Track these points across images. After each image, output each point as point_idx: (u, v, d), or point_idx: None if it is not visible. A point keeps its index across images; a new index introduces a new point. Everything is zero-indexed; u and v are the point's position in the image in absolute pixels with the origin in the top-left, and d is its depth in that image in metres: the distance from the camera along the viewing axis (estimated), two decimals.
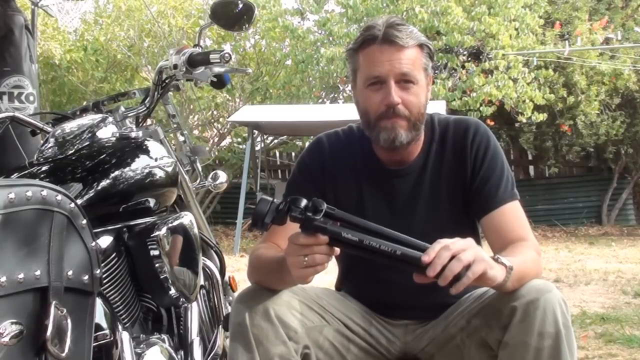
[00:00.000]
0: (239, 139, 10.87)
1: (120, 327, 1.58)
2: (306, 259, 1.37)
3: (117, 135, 1.81)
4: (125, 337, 1.58)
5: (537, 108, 9.35)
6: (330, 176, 1.72)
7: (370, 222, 1.38)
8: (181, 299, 1.73)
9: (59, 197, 1.28)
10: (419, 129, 1.65)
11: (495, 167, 1.65)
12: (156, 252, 1.65)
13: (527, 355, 1.42)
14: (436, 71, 9.60)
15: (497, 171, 1.65)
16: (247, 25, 2.09)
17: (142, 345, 1.66)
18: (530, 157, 11.63)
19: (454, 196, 1.67)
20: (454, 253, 1.29)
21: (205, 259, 2.03)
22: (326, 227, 1.36)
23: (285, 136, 10.84)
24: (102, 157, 1.69)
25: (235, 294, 2.14)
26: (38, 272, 1.22)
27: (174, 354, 1.74)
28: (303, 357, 1.54)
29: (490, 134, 1.70)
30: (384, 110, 1.60)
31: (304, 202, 1.37)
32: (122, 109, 1.97)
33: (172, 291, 1.68)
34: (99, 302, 1.47)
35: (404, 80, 1.59)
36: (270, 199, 1.41)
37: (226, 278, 2.19)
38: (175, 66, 1.91)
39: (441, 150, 1.70)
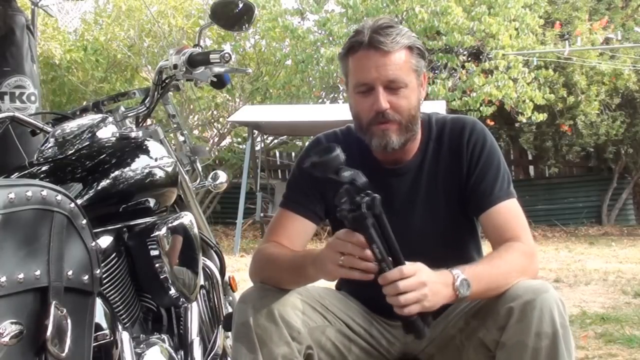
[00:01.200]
0: (239, 139, 10.87)
1: (120, 327, 1.58)
2: (342, 258, 1.39)
3: (117, 135, 1.81)
4: (125, 337, 1.58)
5: (537, 108, 9.34)
6: None
7: (394, 242, 1.39)
8: (181, 299, 1.73)
9: (59, 197, 1.28)
10: (412, 130, 1.65)
11: (491, 166, 1.65)
12: (156, 252, 1.65)
13: (525, 356, 1.42)
14: (436, 71, 9.59)
15: (492, 169, 1.65)
16: (247, 25, 2.09)
17: (142, 345, 1.66)
18: (530, 157, 11.62)
19: (450, 195, 1.68)
20: (398, 292, 1.35)
21: (205, 259, 2.03)
22: (369, 229, 1.34)
23: (285, 136, 10.83)
24: (102, 157, 1.69)
25: (236, 294, 2.15)
26: (38, 272, 1.22)
27: (174, 354, 1.74)
28: (306, 357, 1.55)
29: (487, 132, 1.70)
30: (373, 115, 1.60)
31: (363, 180, 1.35)
32: (122, 109, 1.96)
33: (172, 291, 1.68)
34: (99, 302, 1.47)
35: (392, 85, 1.59)
36: (339, 152, 1.37)
37: (226, 278, 2.19)
38: (175, 66, 1.91)
39: (438, 149, 1.71)
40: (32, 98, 2.95)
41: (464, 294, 1.41)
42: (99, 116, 1.86)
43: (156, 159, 1.81)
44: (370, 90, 1.60)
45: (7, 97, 2.90)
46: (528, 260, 1.56)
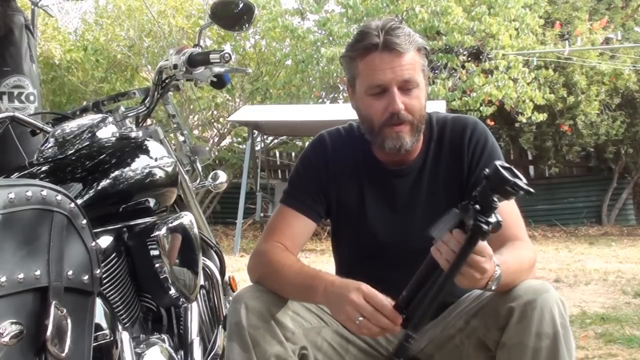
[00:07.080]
0: (239, 139, 10.87)
1: (120, 327, 1.58)
2: (360, 318, 1.41)
3: (117, 135, 1.81)
4: (125, 337, 1.58)
5: (537, 108, 9.34)
6: (333, 174, 1.72)
7: None
8: (181, 299, 1.73)
9: (59, 197, 1.28)
10: (421, 130, 1.66)
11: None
12: (156, 252, 1.65)
13: (525, 356, 1.42)
14: (436, 71, 9.59)
15: None
16: (247, 25, 2.09)
17: (142, 345, 1.66)
18: (530, 157, 11.61)
19: (451, 194, 1.68)
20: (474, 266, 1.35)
21: (205, 259, 2.03)
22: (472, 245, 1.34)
23: (285, 136, 10.83)
24: (102, 157, 1.69)
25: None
26: (38, 272, 1.22)
27: (174, 354, 1.74)
28: (300, 357, 1.55)
29: (487, 132, 1.70)
30: (388, 117, 1.60)
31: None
32: (122, 109, 1.96)
33: (172, 291, 1.68)
34: (99, 302, 1.47)
35: (407, 86, 1.59)
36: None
37: (226, 278, 2.19)
38: (175, 66, 1.92)
39: (439, 149, 1.71)
40: (31, 98, 2.95)
41: (492, 288, 1.40)
42: (99, 116, 1.86)
43: (156, 159, 1.81)
44: (384, 91, 1.60)
45: (5, 97, 2.91)
46: (535, 259, 1.57)
